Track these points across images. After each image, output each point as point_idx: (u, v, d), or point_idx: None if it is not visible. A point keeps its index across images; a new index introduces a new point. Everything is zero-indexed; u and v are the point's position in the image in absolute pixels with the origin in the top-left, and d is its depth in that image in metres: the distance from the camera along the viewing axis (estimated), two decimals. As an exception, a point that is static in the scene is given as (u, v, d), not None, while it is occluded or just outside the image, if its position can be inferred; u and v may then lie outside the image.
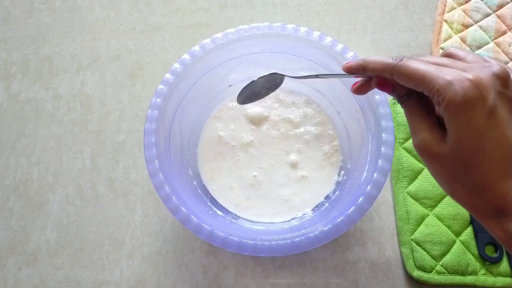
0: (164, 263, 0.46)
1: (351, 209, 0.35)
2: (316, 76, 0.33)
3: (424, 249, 0.44)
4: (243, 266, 0.45)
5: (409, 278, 0.44)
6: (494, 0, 0.56)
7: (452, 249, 0.44)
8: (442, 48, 0.54)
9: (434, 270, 0.43)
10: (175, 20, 0.60)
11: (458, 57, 0.27)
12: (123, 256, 0.47)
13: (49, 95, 0.56)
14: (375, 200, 0.35)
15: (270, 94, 0.51)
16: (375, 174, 0.36)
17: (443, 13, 0.56)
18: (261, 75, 0.36)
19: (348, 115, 0.46)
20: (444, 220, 0.45)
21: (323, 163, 0.47)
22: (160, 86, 0.41)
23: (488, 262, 0.43)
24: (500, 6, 0.56)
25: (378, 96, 0.39)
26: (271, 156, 0.47)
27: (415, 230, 0.45)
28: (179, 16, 0.60)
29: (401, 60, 0.26)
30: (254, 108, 0.49)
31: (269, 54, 0.45)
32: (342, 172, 0.46)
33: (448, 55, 0.28)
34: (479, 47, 0.54)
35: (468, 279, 0.42)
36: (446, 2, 0.57)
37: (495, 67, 0.24)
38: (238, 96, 0.37)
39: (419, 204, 0.46)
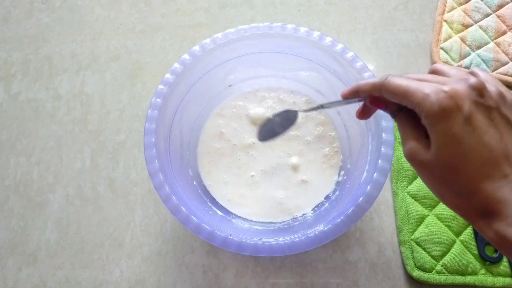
0: (164, 263, 0.46)
1: (351, 209, 0.35)
2: (322, 106, 0.36)
3: (424, 249, 0.44)
4: (243, 266, 0.45)
5: (409, 278, 0.44)
6: (494, 0, 0.56)
7: (452, 249, 0.44)
8: (442, 48, 0.54)
9: (434, 270, 0.43)
10: (175, 20, 0.60)
11: (442, 73, 0.29)
12: (123, 256, 0.47)
13: (49, 95, 0.56)
14: (375, 200, 0.35)
15: (271, 94, 0.51)
16: (375, 174, 0.36)
17: (443, 13, 0.56)
18: (276, 113, 0.39)
19: (348, 115, 0.46)
20: (444, 220, 0.45)
21: (323, 165, 0.47)
22: (160, 86, 0.41)
23: (488, 262, 0.43)
24: (500, 6, 0.56)
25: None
26: (272, 159, 0.47)
27: (415, 230, 0.45)
28: (179, 16, 0.60)
29: (386, 78, 0.29)
30: (256, 108, 0.49)
31: (269, 54, 0.45)
32: (342, 172, 0.46)
33: (433, 71, 0.30)
34: (479, 47, 0.54)
35: (468, 279, 0.42)
36: (446, 2, 0.57)
37: (471, 79, 0.26)
38: (258, 135, 0.40)
39: (419, 204, 0.46)
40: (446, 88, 0.25)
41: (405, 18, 0.58)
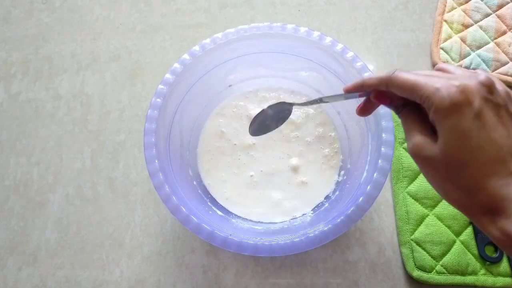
0: (164, 263, 0.46)
1: (351, 209, 0.35)
2: (321, 100, 0.35)
3: (424, 249, 0.44)
4: (243, 266, 0.45)
5: (409, 278, 0.44)
6: (494, 0, 0.56)
7: (452, 249, 0.44)
8: (442, 48, 0.54)
9: (434, 270, 0.43)
10: (175, 20, 0.60)
11: (448, 71, 0.29)
12: (123, 256, 0.47)
13: (49, 95, 0.56)
14: (375, 200, 0.35)
15: (271, 94, 0.51)
16: (375, 174, 0.36)
17: (443, 13, 0.56)
18: (270, 104, 0.38)
19: (348, 115, 0.46)
20: (444, 220, 0.45)
21: (323, 166, 0.47)
22: (160, 86, 0.41)
23: (488, 262, 0.43)
24: (500, 6, 0.56)
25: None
26: (272, 160, 0.47)
27: (415, 230, 0.45)
28: (179, 16, 0.60)
29: (394, 72, 0.29)
30: (256, 109, 0.49)
31: (269, 54, 0.45)
32: (342, 172, 0.46)
33: (439, 70, 0.30)
34: (479, 47, 0.54)
35: (468, 279, 0.42)
36: (446, 2, 0.57)
37: (481, 75, 0.26)
38: (249, 126, 0.39)
39: (419, 204, 0.46)
40: (456, 82, 0.25)
41: (405, 18, 0.58)
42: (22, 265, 0.47)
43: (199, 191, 0.45)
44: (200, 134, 0.49)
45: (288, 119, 0.48)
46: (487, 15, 0.56)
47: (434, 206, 0.46)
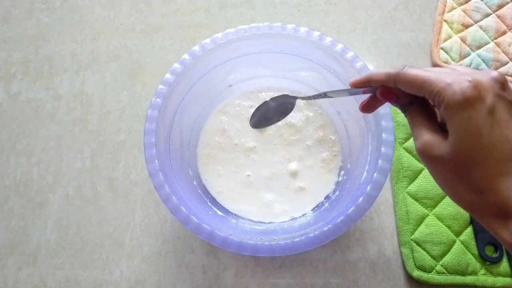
0: (164, 263, 0.46)
1: (351, 209, 0.35)
2: (325, 94, 0.34)
3: (424, 249, 0.44)
4: (243, 266, 0.45)
5: (409, 278, 0.44)
6: (494, 0, 0.56)
7: (452, 249, 0.44)
8: (442, 48, 0.54)
9: (434, 270, 0.43)
10: (175, 20, 0.60)
11: (457, 70, 0.28)
12: (123, 256, 0.47)
13: (49, 95, 0.56)
14: (375, 200, 0.35)
15: (272, 94, 0.51)
16: (375, 174, 0.36)
17: (443, 13, 0.56)
18: (273, 97, 0.38)
19: (348, 115, 0.46)
20: (444, 220, 0.45)
21: (321, 170, 0.47)
22: (160, 86, 0.41)
23: (488, 262, 0.43)
24: (500, 6, 0.56)
25: (378, 96, 0.39)
26: (272, 164, 0.47)
27: (415, 230, 0.45)
28: (179, 16, 0.60)
29: (403, 68, 0.28)
30: None
31: (269, 54, 0.45)
32: (342, 172, 0.46)
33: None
34: (479, 47, 0.54)
35: (468, 279, 0.42)
36: (446, 2, 0.57)
37: (493, 72, 0.25)
38: (251, 118, 0.38)
39: (419, 204, 0.46)
40: (469, 78, 0.24)
41: (405, 18, 0.58)
42: (22, 265, 0.47)
43: (199, 191, 0.45)
44: (201, 131, 0.49)
45: (288, 122, 0.48)
46: (487, 15, 0.56)
47: (434, 206, 0.46)
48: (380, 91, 0.30)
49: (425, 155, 0.27)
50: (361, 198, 0.35)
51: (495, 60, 0.53)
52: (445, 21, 0.56)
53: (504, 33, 0.55)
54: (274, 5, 0.60)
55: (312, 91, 0.49)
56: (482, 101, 0.24)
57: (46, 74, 0.58)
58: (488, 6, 0.56)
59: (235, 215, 0.45)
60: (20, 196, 0.51)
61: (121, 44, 0.59)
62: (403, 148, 0.49)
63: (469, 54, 0.54)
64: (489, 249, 0.44)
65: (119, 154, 0.52)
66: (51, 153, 0.53)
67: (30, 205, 0.50)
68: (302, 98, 0.36)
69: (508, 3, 0.56)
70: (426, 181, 0.47)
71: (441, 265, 0.43)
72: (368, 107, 0.33)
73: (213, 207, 0.44)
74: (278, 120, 0.38)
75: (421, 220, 0.45)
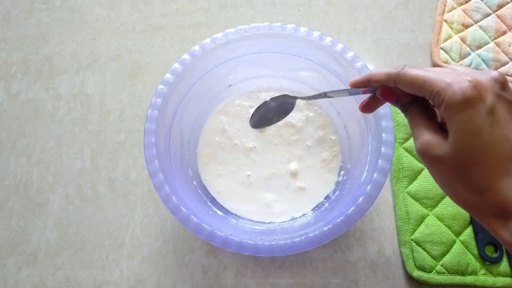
0: (164, 263, 0.46)
1: (351, 209, 0.35)
2: (325, 94, 0.34)
3: (424, 249, 0.44)
4: (243, 266, 0.45)
5: (409, 278, 0.44)
6: (494, 0, 0.56)
7: (452, 249, 0.44)
8: (442, 48, 0.54)
9: (434, 270, 0.43)
10: (175, 20, 0.60)
11: (457, 70, 0.28)
12: (123, 256, 0.47)
13: (49, 95, 0.56)
14: (375, 200, 0.35)
15: (272, 94, 0.51)
16: (375, 174, 0.36)
17: (443, 13, 0.56)
18: (273, 97, 0.38)
19: (348, 115, 0.46)
20: (444, 220, 0.45)
21: (321, 170, 0.47)
22: (160, 86, 0.41)
23: (488, 262, 0.43)
24: (500, 6, 0.56)
25: (378, 96, 0.39)
26: (272, 164, 0.47)
27: (415, 230, 0.45)
28: (179, 16, 0.60)
29: (403, 69, 0.28)
30: None
31: (269, 54, 0.45)
32: (342, 172, 0.46)
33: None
34: (479, 47, 0.54)
35: (468, 279, 0.42)
36: (446, 2, 0.57)
37: (493, 72, 0.25)
38: (251, 118, 0.38)
39: (419, 204, 0.46)
40: (469, 78, 0.24)
41: (405, 18, 0.58)
42: (22, 265, 0.47)
43: (199, 191, 0.45)
44: (201, 131, 0.49)
45: (288, 122, 0.48)
46: (487, 15, 0.56)
47: (434, 206, 0.46)
48: (380, 91, 0.30)
49: (425, 155, 0.27)
50: (361, 198, 0.35)
51: (495, 60, 0.53)
52: (445, 21, 0.56)
53: (504, 33, 0.55)
54: (274, 5, 0.60)
55: (312, 91, 0.49)
56: (482, 101, 0.24)
57: (46, 74, 0.58)
58: (488, 6, 0.56)
59: (235, 215, 0.45)
60: (20, 196, 0.51)
61: (121, 44, 0.59)
62: (403, 148, 0.49)
63: (469, 54, 0.54)
64: (489, 249, 0.44)
65: (119, 154, 0.52)
66: (51, 153, 0.53)
67: (30, 205, 0.50)
68: (302, 98, 0.36)
69: (508, 3, 0.56)
70: (426, 181, 0.47)
71: (441, 265, 0.43)
72: (368, 107, 0.33)
73: (213, 207, 0.44)
74: (278, 120, 0.38)
75: (421, 220, 0.45)
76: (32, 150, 0.53)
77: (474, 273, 0.43)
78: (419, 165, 0.48)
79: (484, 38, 0.54)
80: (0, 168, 0.53)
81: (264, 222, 0.45)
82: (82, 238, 0.48)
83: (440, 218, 0.45)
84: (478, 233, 0.44)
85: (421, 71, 0.27)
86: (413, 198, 0.46)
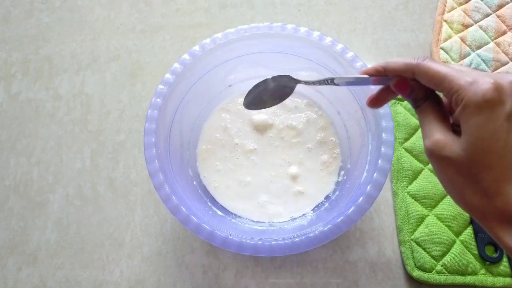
0: (164, 263, 0.46)
1: (351, 209, 0.35)
2: (332, 80, 0.32)
3: (424, 249, 0.44)
4: (243, 266, 0.45)
5: (409, 278, 0.44)
6: (494, 0, 0.56)
7: (452, 249, 0.44)
8: (442, 48, 0.54)
9: (434, 270, 0.43)
10: (175, 20, 0.60)
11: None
12: (123, 256, 0.47)
13: (49, 95, 0.56)
14: (375, 200, 0.35)
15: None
16: (375, 174, 0.36)
17: (443, 13, 0.56)
18: (275, 75, 0.35)
19: (348, 115, 0.46)
20: (444, 220, 0.45)
21: (321, 173, 0.47)
22: (160, 86, 0.41)
23: (488, 262, 0.43)
24: (500, 6, 0.56)
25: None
26: (272, 167, 0.47)
27: (415, 230, 0.45)
28: (179, 16, 0.60)
29: (424, 60, 0.27)
30: (259, 115, 0.49)
31: (269, 54, 0.45)
32: (342, 172, 0.46)
33: None
34: (479, 47, 0.54)
35: (468, 279, 0.42)
36: (446, 2, 0.57)
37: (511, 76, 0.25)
38: (245, 98, 0.37)
39: (419, 204, 0.46)
40: (491, 79, 0.24)
41: (405, 18, 0.58)
42: (22, 265, 0.47)
43: (199, 191, 0.45)
44: (203, 127, 0.49)
45: (289, 125, 0.48)
46: (487, 15, 0.56)
47: (434, 206, 0.46)
48: (396, 81, 0.29)
49: (435, 155, 0.26)
50: (361, 198, 0.35)
51: (495, 60, 0.53)
52: (445, 21, 0.56)
53: (504, 33, 0.55)
54: (274, 5, 0.60)
55: (312, 91, 0.49)
56: (502, 105, 0.23)
57: (46, 74, 0.58)
58: (488, 6, 0.56)
59: (235, 215, 0.45)
60: (20, 196, 0.51)
61: (121, 44, 0.59)
62: (403, 148, 0.49)
63: (469, 54, 0.54)
64: (489, 249, 0.44)
65: (119, 154, 0.52)
66: (51, 153, 0.53)
67: (30, 205, 0.50)
68: (305, 82, 0.35)
69: (508, 3, 0.56)
70: (426, 181, 0.47)
71: (441, 265, 0.43)
72: (378, 100, 0.32)
73: (213, 207, 0.44)
74: (273, 105, 0.36)
75: (421, 220, 0.45)
76: (32, 150, 0.53)
77: (474, 273, 0.43)
78: (419, 165, 0.48)
79: (484, 38, 0.54)
80: (0, 168, 0.53)
81: (264, 222, 0.45)
82: (82, 238, 0.48)
83: (440, 218, 0.45)
84: (478, 233, 0.44)
85: (442, 65, 0.26)
86: (413, 198, 0.46)
